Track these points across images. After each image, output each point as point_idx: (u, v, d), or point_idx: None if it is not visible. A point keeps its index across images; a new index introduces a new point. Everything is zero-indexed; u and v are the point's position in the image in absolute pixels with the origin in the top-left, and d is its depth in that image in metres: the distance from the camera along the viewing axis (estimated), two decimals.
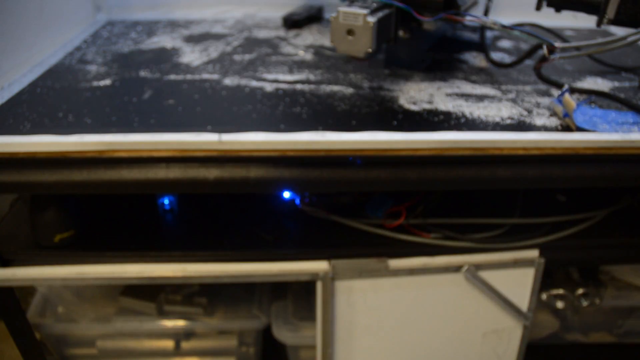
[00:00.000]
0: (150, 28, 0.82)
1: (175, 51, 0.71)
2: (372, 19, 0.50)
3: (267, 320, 0.68)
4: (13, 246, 0.56)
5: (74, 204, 0.57)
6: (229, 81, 0.61)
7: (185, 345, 0.70)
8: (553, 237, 0.59)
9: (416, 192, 0.61)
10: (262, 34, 0.80)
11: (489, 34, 0.77)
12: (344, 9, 0.51)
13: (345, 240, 0.58)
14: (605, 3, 0.53)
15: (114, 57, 0.69)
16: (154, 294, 0.66)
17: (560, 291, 0.67)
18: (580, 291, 0.67)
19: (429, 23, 0.57)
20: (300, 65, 0.66)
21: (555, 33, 0.77)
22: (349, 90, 0.59)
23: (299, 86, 0.60)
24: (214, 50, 0.72)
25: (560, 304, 0.68)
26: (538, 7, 0.59)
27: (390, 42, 0.58)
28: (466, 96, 0.58)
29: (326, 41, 0.76)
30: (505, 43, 0.76)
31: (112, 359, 0.70)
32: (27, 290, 0.66)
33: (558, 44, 0.55)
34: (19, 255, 0.56)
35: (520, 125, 0.51)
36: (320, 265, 0.54)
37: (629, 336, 0.75)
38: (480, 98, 0.57)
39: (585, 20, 0.60)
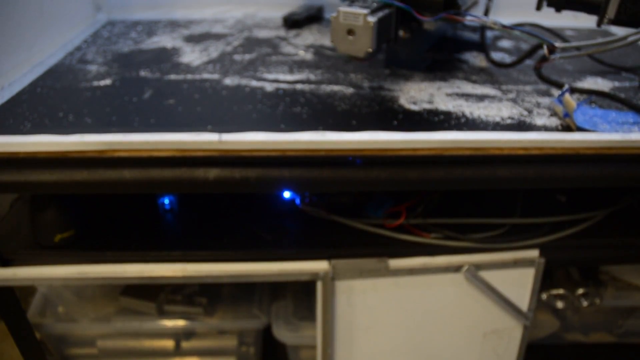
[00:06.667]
0: (151, 28, 0.82)
1: (175, 51, 0.71)
2: (372, 19, 0.50)
3: (267, 320, 0.68)
4: (13, 246, 0.56)
5: (74, 204, 0.57)
6: (229, 81, 0.61)
7: (185, 345, 0.70)
8: (553, 237, 0.59)
9: (416, 192, 0.61)
10: (262, 33, 0.80)
11: (489, 34, 0.77)
12: (344, 8, 0.51)
13: (345, 240, 0.58)
14: (605, 3, 0.53)
15: (114, 56, 0.69)
16: (154, 294, 0.66)
17: (560, 291, 0.67)
18: (580, 291, 0.67)
19: (429, 23, 0.57)
20: (301, 65, 0.66)
21: (556, 33, 0.77)
22: (349, 90, 0.59)
23: (299, 86, 0.60)
24: (214, 50, 0.72)
25: (560, 304, 0.68)
26: (538, 7, 0.59)
27: (391, 42, 0.58)
28: (466, 96, 0.58)
29: (326, 41, 0.76)
30: (505, 43, 0.76)
31: (112, 358, 0.70)
32: (27, 290, 0.66)
33: (558, 44, 0.55)
34: (19, 255, 0.56)
35: (521, 125, 0.51)
36: (320, 265, 0.54)
37: (628, 336, 0.75)
38: (481, 98, 0.57)
39: (585, 20, 0.60)
